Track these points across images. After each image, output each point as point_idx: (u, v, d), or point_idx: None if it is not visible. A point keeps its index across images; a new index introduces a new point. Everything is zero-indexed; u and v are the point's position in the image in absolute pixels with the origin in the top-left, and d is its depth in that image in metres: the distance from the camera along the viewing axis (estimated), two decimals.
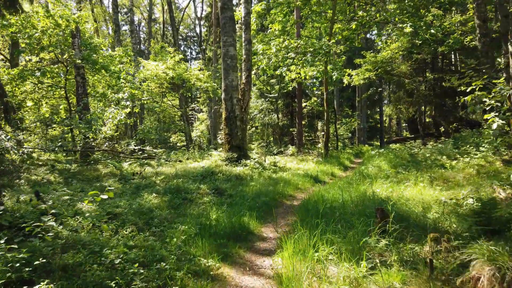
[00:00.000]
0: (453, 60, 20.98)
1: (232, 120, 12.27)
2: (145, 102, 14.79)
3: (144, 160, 13.44)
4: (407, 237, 4.61)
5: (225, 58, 12.36)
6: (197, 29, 54.44)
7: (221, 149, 14.98)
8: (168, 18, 43.93)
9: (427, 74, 17.15)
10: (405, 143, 17.91)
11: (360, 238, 4.56)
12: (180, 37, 58.31)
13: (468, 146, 12.18)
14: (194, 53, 63.38)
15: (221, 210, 6.80)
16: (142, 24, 56.64)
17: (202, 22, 50.12)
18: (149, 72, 18.70)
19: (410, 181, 8.72)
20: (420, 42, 14.19)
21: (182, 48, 56.85)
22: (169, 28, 48.29)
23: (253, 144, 26.22)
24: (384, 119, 51.79)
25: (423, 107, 19.86)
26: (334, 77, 13.09)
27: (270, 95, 20.83)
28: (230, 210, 6.87)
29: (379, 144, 41.78)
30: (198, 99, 45.65)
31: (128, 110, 14.22)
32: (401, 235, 4.66)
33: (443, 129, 18.66)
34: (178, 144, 32.40)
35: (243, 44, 13.72)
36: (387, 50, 19.87)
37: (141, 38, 53.57)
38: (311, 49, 13.06)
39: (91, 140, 13.27)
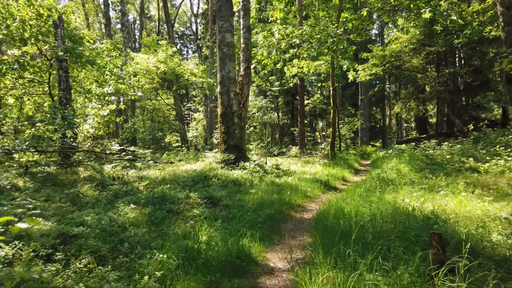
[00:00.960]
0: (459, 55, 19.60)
1: (229, 116, 10.76)
2: (133, 97, 13.24)
3: (128, 162, 11.91)
4: (485, 277, 3.13)
5: (220, 46, 10.85)
6: (194, 27, 52.99)
7: (216, 150, 13.48)
8: (163, 15, 42.48)
9: (443, 69, 15.73)
10: (418, 144, 16.46)
11: (418, 281, 3.08)
12: (176, 35, 56.78)
13: (497, 146, 10.73)
14: (190, 52, 61.83)
15: (214, 227, 5.29)
16: (138, 22, 55.04)
17: (198, 20, 48.68)
18: (139, 66, 17.15)
19: (443, 188, 7.25)
20: (440, 29, 12.74)
21: (178, 47, 55.29)
22: (165, 26, 46.77)
23: (252, 144, 24.75)
24: (378, 119, 50.51)
25: (434, 105, 18.41)
26: (344, 67, 11.62)
27: (271, 90, 19.32)
28: (225, 227, 5.36)
29: (381, 144, 40.42)
30: (195, 98, 44.16)
31: (113, 106, 12.67)
32: (473, 271, 3.19)
33: (457, 128, 17.25)
34: (173, 145, 30.90)
35: (242, 32, 12.22)
36: (396, 43, 18.45)
37: (136, 37, 51.97)
38: (318, 36, 11.59)
39: (70, 139, 11.76)
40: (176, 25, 53.98)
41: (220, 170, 9.66)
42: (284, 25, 13.02)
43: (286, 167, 11.15)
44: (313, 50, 13.45)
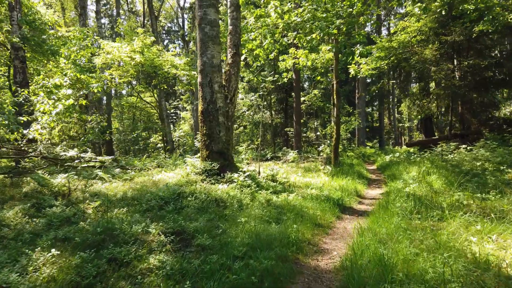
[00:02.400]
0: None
1: (212, 114, 8.47)
2: (95, 90, 10.84)
3: (90, 170, 9.54)
4: None
5: (201, 25, 8.55)
6: (180, 22, 50.39)
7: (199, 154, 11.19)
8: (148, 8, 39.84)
9: (462, 60, 13.68)
10: (431, 146, 14.40)
11: None
12: (163, 31, 54.09)
13: None
14: (178, 48, 59.11)
15: None
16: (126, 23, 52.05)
17: (186, 15, 46.22)
18: (110, 56, 14.72)
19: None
20: (461, 12, 10.73)
21: (165, 43, 52.57)
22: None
23: (241, 146, 22.52)
24: (374, 118, 48.64)
25: (444, 102, 16.41)
26: (357, 52, 9.46)
27: (264, 80, 17.05)
28: None
29: (378, 146, 38.55)
30: (182, 96, 41.63)
31: (71, 101, 10.27)
32: None
33: (473, 129, 15.26)
34: (159, 146, 28.45)
35: (229, 11, 9.94)
36: (404, 34, 16.37)
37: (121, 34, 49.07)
38: (323, 15, 9.37)
39: (20, 141, 9.41)
40: (163, 20, 51.37)
41: (199, 185, 7.38)
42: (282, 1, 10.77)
43: (283, 178, 8.91)
44: (315, 35, 11.24)
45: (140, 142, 24.56)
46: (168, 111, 37.38)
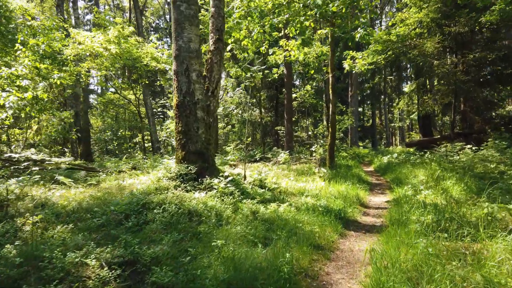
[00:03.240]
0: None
1: (189, 108, 7.15)
2: (58, 82, 9.42)
3: (51, 173, 8.16)
4: None
5: (177, 2, 7.23)
6: (168, 18, 48.79)
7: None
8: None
9: (467, 53, 12.58)
10: (434, 146, 13.31)
11: None
12: (151, 28, 52.36)
13: None
14: (166, 46, 57.40)
15: None
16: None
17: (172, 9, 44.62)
18: (82, 46, 13.26)
19: None
20: (466, 1, 9.64)
21: (153, 40, 50.83)
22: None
23: (229, 146, 21.21)
24: (366, 118, 47.75)
25: (446, 99, 15.35)
26: (358, 35, 8.24)
27: (251, 70, 15.77)
28: None
29: (371, 146, 37.62)
30: (170, 95, 40.07)
31: (29, 94, 8.84)
32: None
33: (477, 128, 14.23)
34: (145, 145, 26.92)
35: None
36: (402, 26, 15.27)
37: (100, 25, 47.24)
38: None
39: None
40: (151, 17, 49.66)
41: (171, 192, 6.07)
42: None
43: (273, 183, 7.64)
44: (309, 23, 10.03)
45: (123, 141, 23.07)
46: (154, 110, 35.85)
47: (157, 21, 54.64)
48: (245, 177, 7.62)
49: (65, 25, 15.15)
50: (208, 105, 8.07)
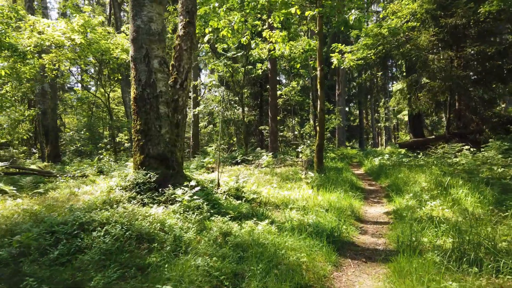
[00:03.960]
0: None
1: (150, 103, 5.89)
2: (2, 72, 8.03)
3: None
4: None
5: None
6: None
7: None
8: None
9: (464, 47, 11.63)
10: (430, 147, 12.36)
11: None
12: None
13: None
14: None
15: None
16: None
17: None
18: (41, 36, 11.80)
19: None
20: None
21: (124, 31, 48.85)
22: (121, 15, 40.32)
23: (211, 146, 19.91)
24: (352, 118, 47.02)
25: (441, 97, 14.44)
26: (353, 17, 7.09)
27: (225, 55, 14.47)
28: None
29: (358, 146, 36.86)
30: None
31: None
32: None
33: (473, 128, 13.36)
34: (126, 145, 25.38)
35: None
36: (394, 18, 14.29)
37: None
38: None
39: None
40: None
41: (122, 207, 4.81)
42: None
43: (253, 192, 6.44)
44: (294, 9, 8.89)
45: (99, 141, 21.49)
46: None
47: None
48: (218, 184, 6.40)
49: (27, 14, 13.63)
50: (176, 100, 6.83)
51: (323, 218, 5.15)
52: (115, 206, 4.92)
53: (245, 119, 19.69)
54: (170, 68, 7.09)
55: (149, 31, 5.95)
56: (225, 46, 12.64)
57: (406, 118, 36.12)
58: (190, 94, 21.51)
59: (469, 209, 5.17)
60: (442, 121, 27.84)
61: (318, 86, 10.11)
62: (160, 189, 5.47)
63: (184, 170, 7.05)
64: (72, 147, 23.29)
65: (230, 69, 15.82)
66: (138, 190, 5.45)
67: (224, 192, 6.13)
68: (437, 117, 27.56)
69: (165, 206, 5.08)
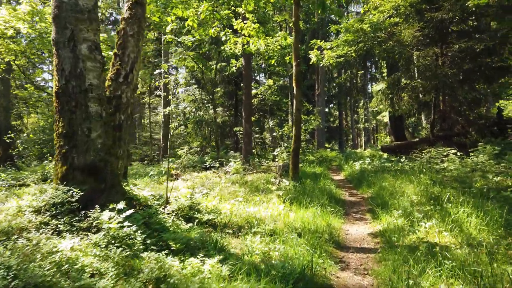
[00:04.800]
0: None
1: (75, 99, 4.63)
2: None
3: None
4: None
5: None
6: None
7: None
8: None
9: (451, 43, 10.78)
10: (413, 151, 11.50)
11: None
12: (109, 22, 48.21)
13: None
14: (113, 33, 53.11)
15: None
16: None
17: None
18: None
19: None
20: None
21: (112, 34, 46.71)
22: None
23: (182, 148, 18.60)
24: (332, 119, 46.45)
25: (425, 96, 13.67)
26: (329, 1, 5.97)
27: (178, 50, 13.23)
28: None
29: (338, 147, 36.20)
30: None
31: None
32: None
33: (458, 130, 12.62)
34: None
35: None
36: (376, 13, 13.41)
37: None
38: None
39: None
40: (107, 11, 45.59)
41: (26, 237, 3.55)
42: None
43: (211, 210, 5.26)
44: None
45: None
46: None
47: (117, 16, 50.59)
48: (167, 201, 5.16)
49: None
50: (118, 96, 5.56)
51: (293, 249, 4.00)
52: (15, 237, 3.65)
53: (219, 119, 18.46)
54: (113, 57, 5.84)
55: (75, 7, 4.67)
56: (193, 38, 11.37)
57: (386, 119, 35.69)
58: (161, 92, 20.14)
59: (474, 235, 4.15)
60: (422, 123, 27.40)
61: (294, 84, 9.01)
62: (84, 211, 4.21)
63: (128, 182, 5.80)
64: (32, 149, 21.48)
65: (201, 65, 14.57)
66: (55, 212, 4.17)
67: (173, 211, 4.92)
68: (417, 119, 27.11)
69: (85, 235, 3.83)
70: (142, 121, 30.68)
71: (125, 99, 5.66)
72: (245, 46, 11.25)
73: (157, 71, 18.99)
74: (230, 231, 4.71)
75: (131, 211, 4.14)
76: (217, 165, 11.03)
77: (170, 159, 15.49)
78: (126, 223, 3.89)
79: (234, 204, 5.97)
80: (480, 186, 6.95)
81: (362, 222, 6.02)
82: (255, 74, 21.55)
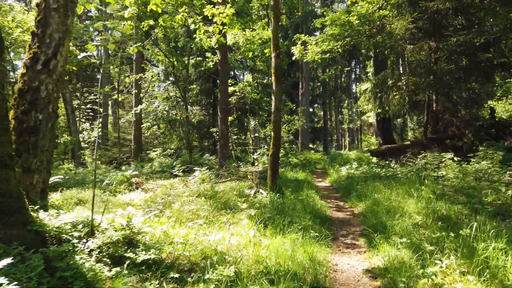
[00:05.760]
0: None
1: None
2: None
3: None
4: None
5: None
6: None
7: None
8: None
9: (450, 36, 9.69)
10: (406, 155, 10.41)
11: None
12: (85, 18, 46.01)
13: None
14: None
15: None
16: None
17: None
18: None
19: None
20: None
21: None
22: None
23: (155, 151, 17.15)
24: (316, 119, 45.54)
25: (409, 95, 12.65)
26: None
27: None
28: None
29: (323, 149, 35.24)
30: (106, 88, 34.78)
31: None
32: None
33: (453, 132, 11.63)
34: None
35: None
36: (364, 4, 12.29)
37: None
38: None
39: None
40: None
41: None
42: None
43: (154, 243, 3.91)
44: None
45: None
46: (82, 106, 30.55)
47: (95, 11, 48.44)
48: (92, 232, 3.77)
49: None
50: (35, 89, 4.21)
51: None
52: None
53: (194, 119, 17.08)
54: (30, 36, 4.46)
55: None
56: (149, 23, 9.92)
57: (371, 120, 34.87)
58: (132, 89, 18.61)
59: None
60: (408, 124, 26.57)
61: (273, 78, 7.73)
62: None
63: (47, 202, 4.40)
64: None
65: (173, 59, 13.14)
66: None
67: (99, 247, 3.55)
68: (403, 119, 26.25)
69: None
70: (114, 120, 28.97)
71: (44, 92, 4.30)
72: (218, 36, 9.90)
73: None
74: (176, 275, 3.38)
75: (7, 261, 2.75)
76: (181, 173, 9.61)
77: (136, 164, 14.01)
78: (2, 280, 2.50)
79: (192, 228, 4.64)
80: (492, 201, 5.83)
81: (355, 251, 4.77)
82: (236, 72, 20.21)
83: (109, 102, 32.74)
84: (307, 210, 6.07)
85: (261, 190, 7.75)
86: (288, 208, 5.90)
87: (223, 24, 9.43)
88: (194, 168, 10.51)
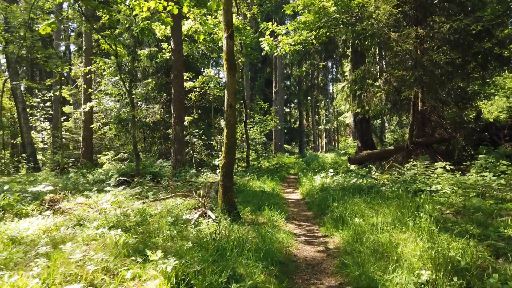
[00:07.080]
0: None
1: None
2: None
3: None
4: None
5: None
6: None
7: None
8: None
9: (442, 21, 8.16)
10: (389, 162, 8.85)
11: None
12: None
13: None
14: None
15: None
16: None
17: None
18: None
19: None
20: None
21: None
22: None
23: (106, 154, 15.05)
24: (292, 119, 44.14)
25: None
26: None
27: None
28: None
29: (298, 151, 33.78)
30: (65, 87, 32.01)
31: None
32: None
33: (441, 134, 10.20)
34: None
35: None
36: None
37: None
38: None
39: None
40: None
41: None
42: None
43: None
44: None
45: None
46: (34, 104, 27.83)
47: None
48: None
49: None
50: None
51: None
52: None
53: (149, 119, 15.07)
54: None
55: None
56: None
57: (348, 121, 33.62)
58: (80, 83, 16.37)
59: None
60: (387, 126, 25.37)
61: (225, 66, 5.91)
62: None
63: None
64: None
65: (119, 48, 11.11)
66: None
67: None
68: (381, 121, 25.02)
69: None
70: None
71: None
72: (163, 15, 7.99)
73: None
74: None
75: None
76: (112, 187, 7.59)
77: (77, 171, 11.87)
78: None
79: None
80: (504, 224, 4.27)
81: None
82: (202, 69, 18.26)
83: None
84: (262, 248, 4.27)
85: (209, 213, 5.92)
86: (234, 246, 4.08)
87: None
88: (126, 180, 8.54)
